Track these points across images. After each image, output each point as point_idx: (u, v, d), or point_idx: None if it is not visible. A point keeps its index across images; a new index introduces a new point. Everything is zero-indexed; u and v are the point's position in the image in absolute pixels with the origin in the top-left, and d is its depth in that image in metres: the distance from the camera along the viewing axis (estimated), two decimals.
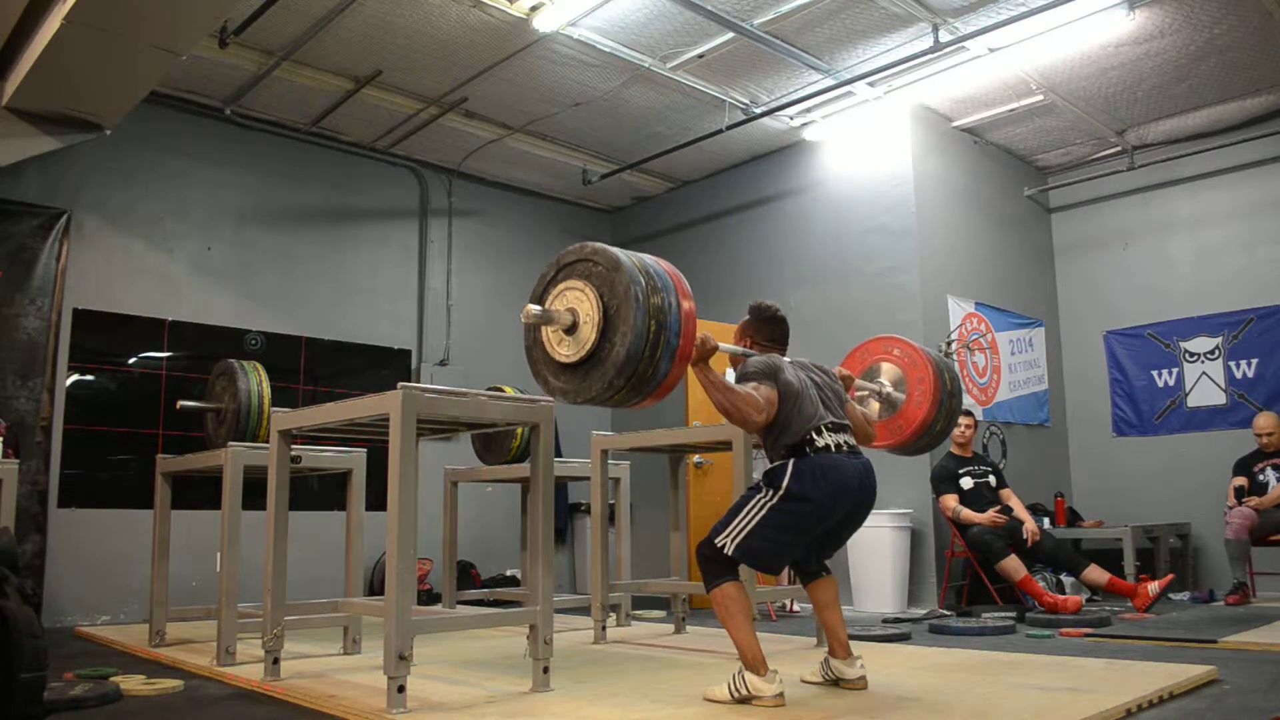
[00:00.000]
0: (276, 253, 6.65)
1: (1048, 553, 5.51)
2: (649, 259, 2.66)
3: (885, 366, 3.80)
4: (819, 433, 2.96)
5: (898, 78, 6.15)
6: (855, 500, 2.98)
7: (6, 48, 4.76)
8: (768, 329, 3.25)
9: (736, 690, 2.83)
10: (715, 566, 2.92)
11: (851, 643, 3.15)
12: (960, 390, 3.78)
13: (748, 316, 3.29)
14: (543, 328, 2.71)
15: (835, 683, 3.09)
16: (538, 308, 2.65)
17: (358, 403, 3.16)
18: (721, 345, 2.94)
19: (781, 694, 2.79)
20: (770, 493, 2.91)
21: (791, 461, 2.93)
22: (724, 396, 2.87)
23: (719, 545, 2.90)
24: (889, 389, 3.74)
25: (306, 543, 5.41)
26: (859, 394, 3.72)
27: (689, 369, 2.76)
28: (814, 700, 2.90)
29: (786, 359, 3.16)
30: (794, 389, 2.99)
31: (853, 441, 3.06)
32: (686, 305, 2.59)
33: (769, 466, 3.01)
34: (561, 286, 2.69)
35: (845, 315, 6.62)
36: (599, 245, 2.65)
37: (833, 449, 2.95)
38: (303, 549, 4.72)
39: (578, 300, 2.61)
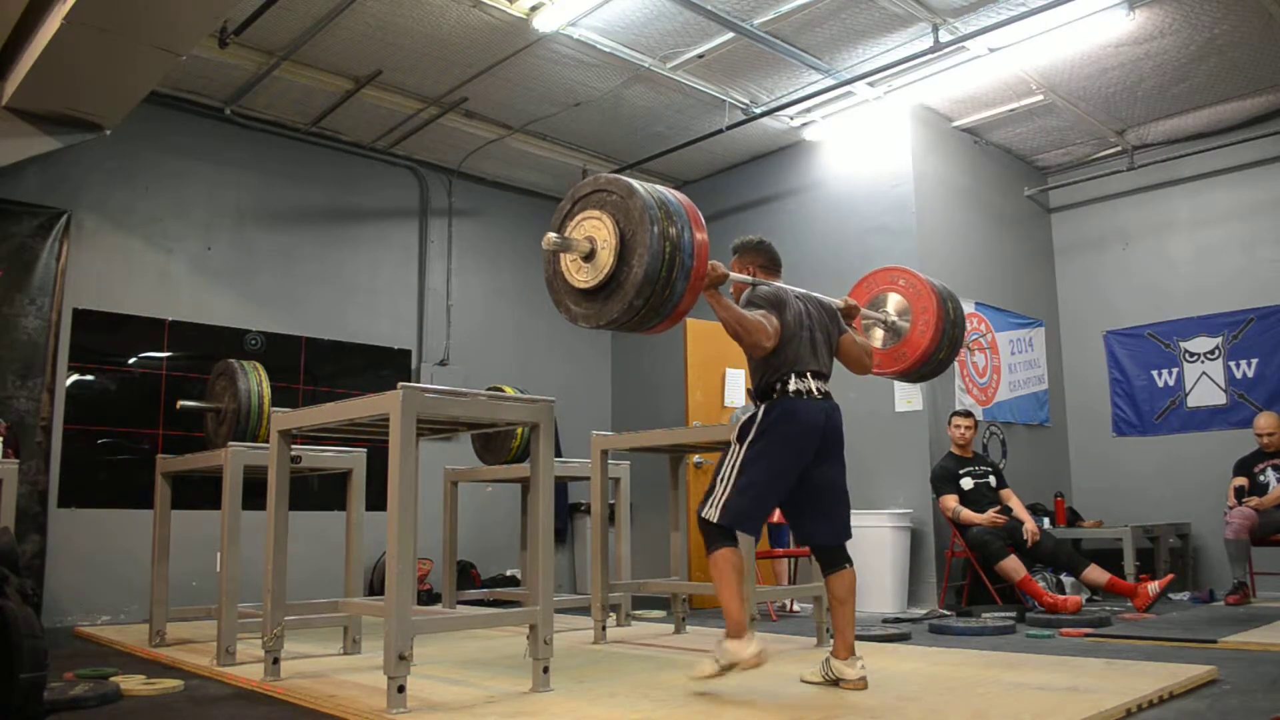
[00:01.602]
0: (276, 253, 6.65)
1: (1048, 553, 5.51)
2: (666, 191, 2.74)
3: (891, 296, 3.91)
4: (795, 377, 3.10)
5: (898, 78, 6.15)
6: (820, 438, 3.10)
7: (6, 48, 4.76)
8: (762, 254, 3.35)
9: (719, 661, 2.94)
10: (709, 535, 3.08)
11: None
12: (963, 321, 3.86)
13: (736, 255, 3.38)
14: (562, 257, 2.80)
15: (835, 683, 3.09)
16: (557, 235, 2.74)
17: (358, 403, 3.16)
18: (732, 274, 3.05)
19: (759, 651, 2.89)
20: (738, 446, 3.07)
21: (761, 411, 3.09)
22: (737, 321, 2.99)
23: (705, 517, 3.06)
24: (894, 318, 3.84)
25: (306, 543, 5.41)
26: (865, 322, 3.80)
27: (702, 295, 2.87)
28: (814, 700, 2.90)
29: (791, 290, 3.25)
30: (790, 330, 3.13)
31: (824, 388, 3.18)
32: (700, 236, 2.68)
33: (744, 416, 3.14)
34: (579, 218, 2.78)
35: None
36: (613, 175, 2.75)
37: (803, 394, 3.10)
38: (303, 549, 4.72)
39: (595, 229, 2.71)
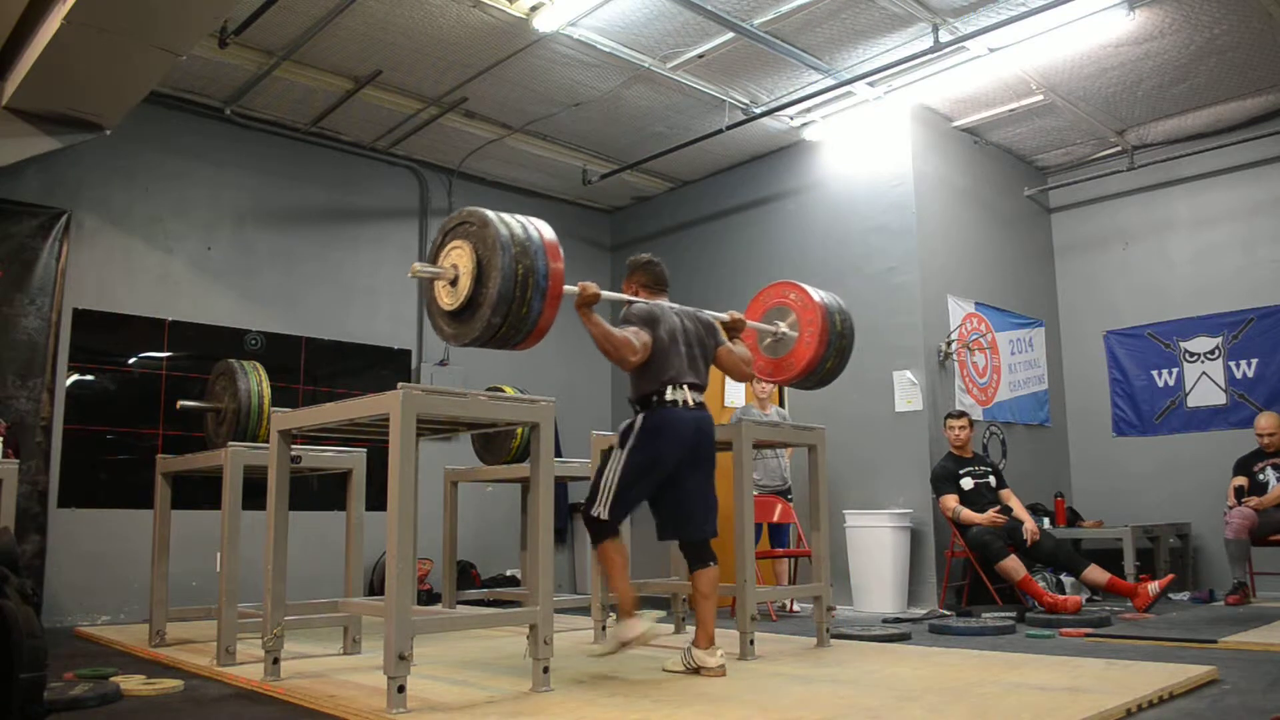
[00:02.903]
0: (276, 253, 6.65)
1: (1048, 553, 5.51)
2: (531, 225, 2.96)
3: (784, 309, 4.17)
4: (671, 388, 3.40)
5: (898, 78, 6.15)
6: (690, 446, 3.41)
7: (6, 48, 4.76)
8: (646, 274, 3.63)
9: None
10: (597, 529, 3.41)
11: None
12: (852, 332, 4.11)
13: (627, 273, 3.67)
14: (434, 283, 3.05)
15: (696, 671, 3.29)
16: (422, 264, 3.00)
17: (358, 403, 3.16)
18: (605, 293, 3.30)
19: (647, 629, 3.23)
20: (620, 452, 3.38)
21: (640, 418, 3.40)
22: (604, 337, 3.27)
23: (595, 515, 3.37)
24: (784, 329, 4.09)
25: (306, 543, 5.41)
26: (759, 334, 4.10)
27: (578, 315, 3.25)
28: (814, 700, 2.90)
29: (671, 305, 3.53)
30: (663, 345, 3.41)
31: (699, 398, 3.50)
32: (555, 265, 2.92)
33: (626, 423, 3.47)
34: (449, 248, 3.04)
35: None
36: (474, 208, 3.00)
37: (678, 404, 3.40)
38: (303, 549, 4.73)
39: (459, 257, 2.98)
